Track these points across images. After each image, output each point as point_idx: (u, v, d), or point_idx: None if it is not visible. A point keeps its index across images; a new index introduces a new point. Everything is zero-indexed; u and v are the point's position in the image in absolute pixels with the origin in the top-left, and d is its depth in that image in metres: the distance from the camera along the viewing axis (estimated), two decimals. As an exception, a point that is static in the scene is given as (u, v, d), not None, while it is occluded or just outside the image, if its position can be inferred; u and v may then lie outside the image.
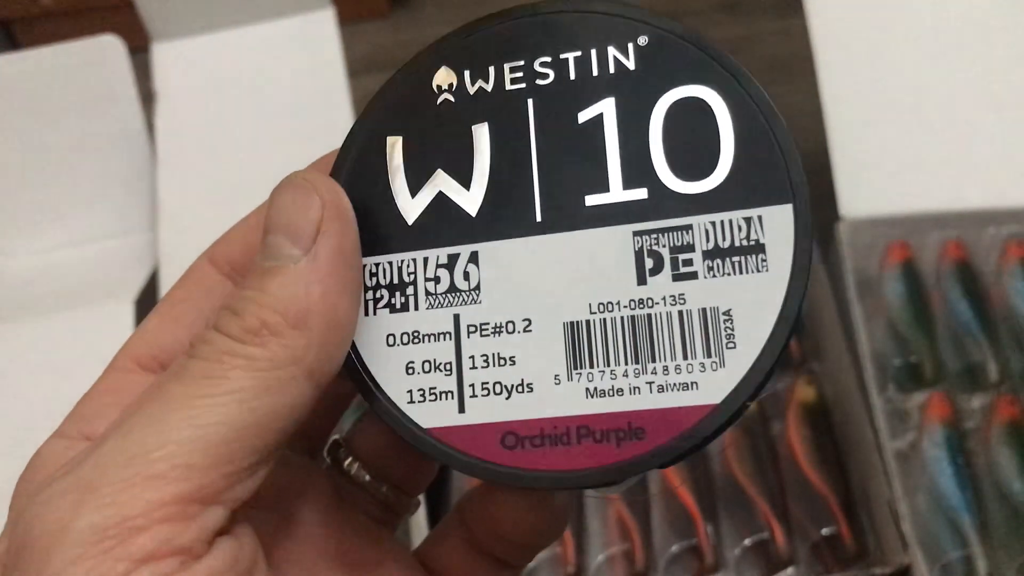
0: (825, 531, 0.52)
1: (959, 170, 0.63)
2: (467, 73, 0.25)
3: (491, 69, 0.25)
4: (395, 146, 0.25)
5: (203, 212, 0.66)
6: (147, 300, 0.63)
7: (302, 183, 0.22)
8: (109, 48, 0.67)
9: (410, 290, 0.24)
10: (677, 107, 0.24)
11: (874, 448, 0.53)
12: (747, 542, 0.53)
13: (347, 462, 0.28)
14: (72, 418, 0.24)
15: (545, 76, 0.24)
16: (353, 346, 0.24)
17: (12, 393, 0.59)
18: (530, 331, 0.23)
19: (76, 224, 0.70)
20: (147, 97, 0.70)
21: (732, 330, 0.22)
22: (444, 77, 0.25)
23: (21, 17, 1.03)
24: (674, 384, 0.22)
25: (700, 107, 0.23)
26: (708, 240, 0.23)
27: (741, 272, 0.22)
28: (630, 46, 0.24)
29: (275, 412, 0.21)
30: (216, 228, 0.70)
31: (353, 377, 0.24)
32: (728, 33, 0.98)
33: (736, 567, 0.52)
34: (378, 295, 0.24)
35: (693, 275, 0.23)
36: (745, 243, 0.23)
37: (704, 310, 0.22)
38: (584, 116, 0.24)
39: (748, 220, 0.23)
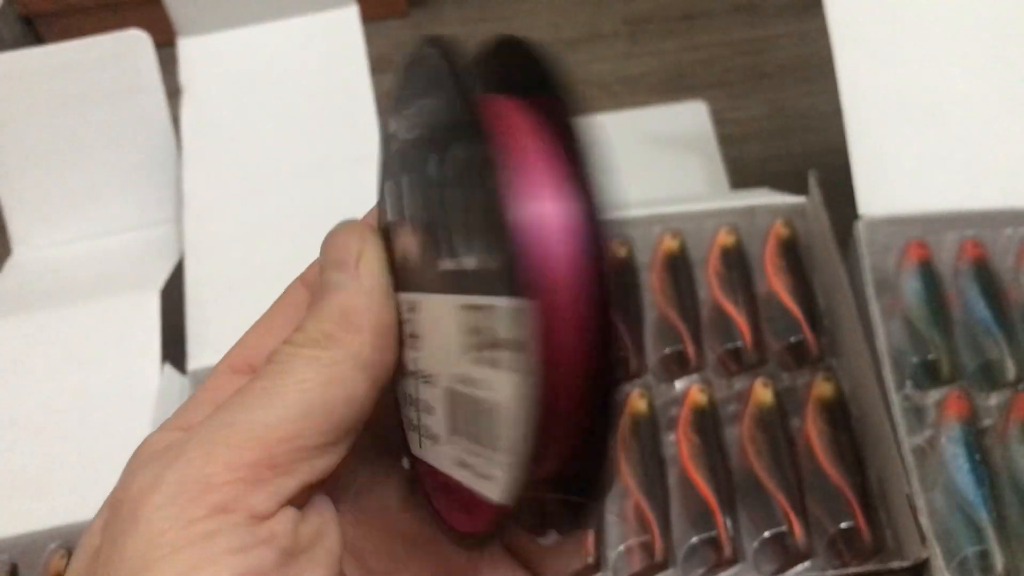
0: (843, 525, 0.53)
1: (977, 170, 0.64)
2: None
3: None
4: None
5: (227, 204, 0.67)
6: (172, 290, 0.63)
7: (347, 225, 0.27)
8: (136, 42, 0.68)
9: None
10: None
11: (892, 443, 0.53)
12: (765, 535, 0.53)
13: None
14: (174, 416, 0.27)
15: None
16: None
17: (39, 380, 0.60)
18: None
19: (102, 215, 0.71)
20: (173, 91, 0.71)
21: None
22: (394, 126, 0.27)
23: (43, 12, 1.04)
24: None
25: None
26: None
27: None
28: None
29: (337, 399, 0.24)
30: (239, 219, 0.70)
31: None
32: (745, 35, 0.99)
33: (754, 560, 0.53)
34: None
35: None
36: None
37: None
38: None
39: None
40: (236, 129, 0.69)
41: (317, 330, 0.25)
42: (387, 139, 0.28)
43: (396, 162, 0.27)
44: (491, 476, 0.21)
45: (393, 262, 0.27)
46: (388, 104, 0.27)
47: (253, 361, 0.27)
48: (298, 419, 0.24)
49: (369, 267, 0.26)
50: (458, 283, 0.22)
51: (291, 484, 0.24)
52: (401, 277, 0.26)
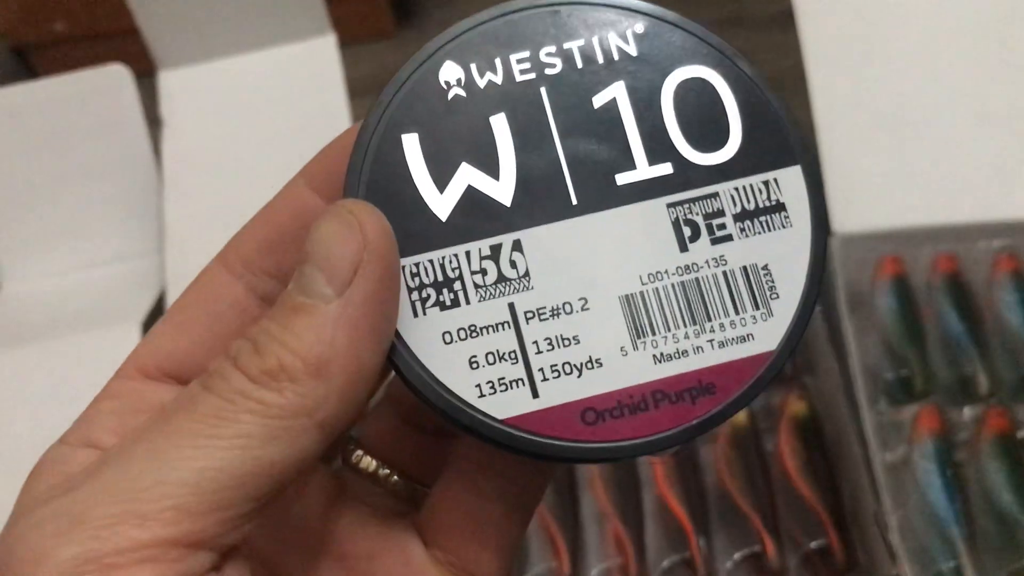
0: (815, 544, 0.53)
1: (950, 184, 0.64)
2: (473, 67, 0.25)
3: (497, 61, 0.25)
4: (412, 143, 0.25)
5: (209, 236, 0.67)
6: (153, 322, 0.64)
7: (347, 216, 0.22)
8: (117, 77, 0.69)
9: (457, 285, 0.24)
10: (682, 87, 0.25)
11: (863, 462, 0.54)
12: (738, 555, 0.54)
13: (356, 456, 0.28)
14: (76, 424, 0.23)
15: (553, 66, 0.25)
16: (409, 351, 0.23)
17: (20, 416, 0.61)
18: (588, 309, 0.24)
19: (84, 248, 0.72)
20: (154, 122, 0.72)
21: (773, 281, 0.24)
22: (451, 72, 0.25)
23: (35, 43, 1.05)
24: (732, 338, 0.24)
25: (703, 85, 0.25)
26: (735, 204, 0.25)
27: (769, 230, 0.25)
28: (629, 33, 0.25)
29: (280, 462, 0.20)
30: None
31: (413, 382, 0.23)
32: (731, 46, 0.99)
33: (728, 580, 0.53)
34: (424, 295, 0.24)
35: (728, 237, 0.25)
36: (768, 204, 0.25)
37: (745, 267, 0.24)
38: (598, 100, 0.25)
39: (766, 183, 0.25)
40: (217, 160, 0.70)
41: (275, 358, 0.20)
42: (435, 87, 0.25)
43: (480, 103, 0.25)
44: (748, 336, 0.24)
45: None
46: (447, 51, 0.25)
47: (167, 366, 0.24)
48: (229, 486, 0.20)
49: (365, 289, 0.21)
50: (663, 186, 0.25)
51: (209, 558, 0.20)
52: (488, 222, 0.24)
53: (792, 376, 0.60)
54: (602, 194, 0.24)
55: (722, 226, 0.25)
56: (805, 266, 0.24)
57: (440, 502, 0.26)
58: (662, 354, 0.24)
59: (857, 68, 0.67)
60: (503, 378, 0.23)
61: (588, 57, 0.25)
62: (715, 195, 0.25)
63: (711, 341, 0.24)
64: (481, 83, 0.25)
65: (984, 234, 0.63)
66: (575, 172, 0.25)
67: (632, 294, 0.24)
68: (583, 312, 0.24)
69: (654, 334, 0.24)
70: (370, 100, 0.25)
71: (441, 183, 0.24)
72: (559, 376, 0.24)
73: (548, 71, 0.25)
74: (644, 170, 0.25)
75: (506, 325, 0.24)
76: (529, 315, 0.24)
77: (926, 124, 0.65)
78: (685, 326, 0.24)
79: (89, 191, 0.71)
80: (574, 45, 0.25)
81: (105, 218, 0.72)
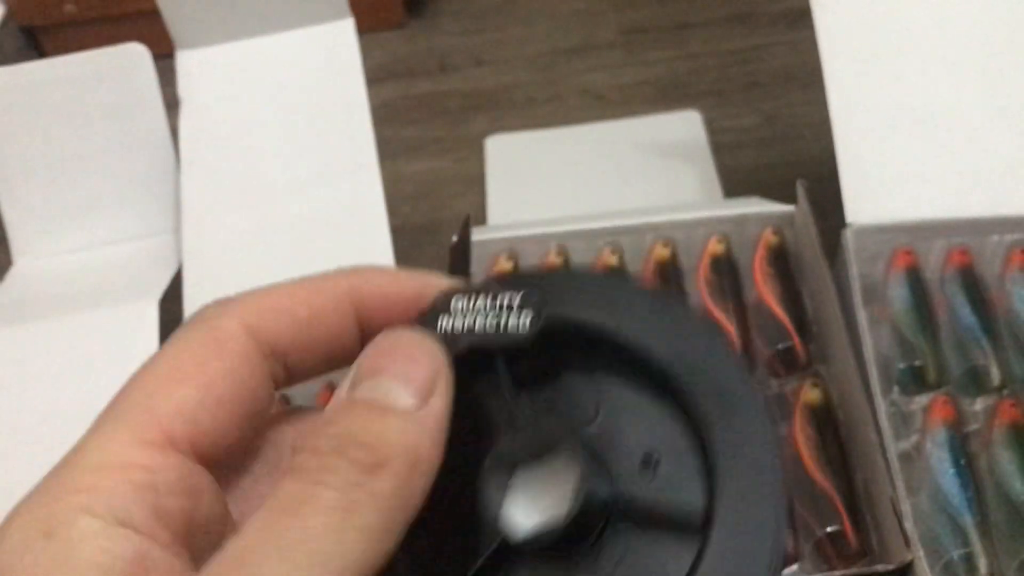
0: (829, 529, 0.54)
1: (964, 179, 0.64)
2: None
3: None
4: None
5: (224, 214, 0.68)
6: (170, 299, 0.65)
7: (418, 338, 0.24)
8: (135, 56, 0.70)
9: None
10: None
11: (878, 449, 0.54)
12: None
13: None
14: (56, 477, 0.22)
15: None
16: None
17: (40, 389, 0.61)
18: None
19: (102, 226, 0.72)
20: (171, 103, 0.72)
21: None
22: None
23: (45, 25, 1.05)
24: None
25: None
26: None
27: None
28: None
29: (388, 554, 0.21)
30: (237, 229, 0.71)
31: None
32: (740, 45, 1.00)
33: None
34: None
35: None
36: None
37: None
38: None
39: None
40: (234, 140, 0.71)
41: (380, 454, 0.21)
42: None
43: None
44: None
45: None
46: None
47: (174, 431, 0.23)
48: None
49: (442, 403, 0.23)
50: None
51: None
52: None
53: (807, 365, 0.60)
54: None
55: None
56: None
57: None
58: None
59: (873, 61, 0.67)
60: None
61: None
62: None
63: None
64: None
65: (997, 228, 0.63)
66: None
67: None
68: None
69: None
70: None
71: None
72: None
73: None
74: None
75: None
76: None
77: (941, 118, 0.66)
78: None
79: (106, 169, 0.72)
80: None
81: (122, 196, 0.72)
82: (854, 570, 0.52)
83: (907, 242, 0.64)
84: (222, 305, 0.25)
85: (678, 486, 0.24)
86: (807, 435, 0.57)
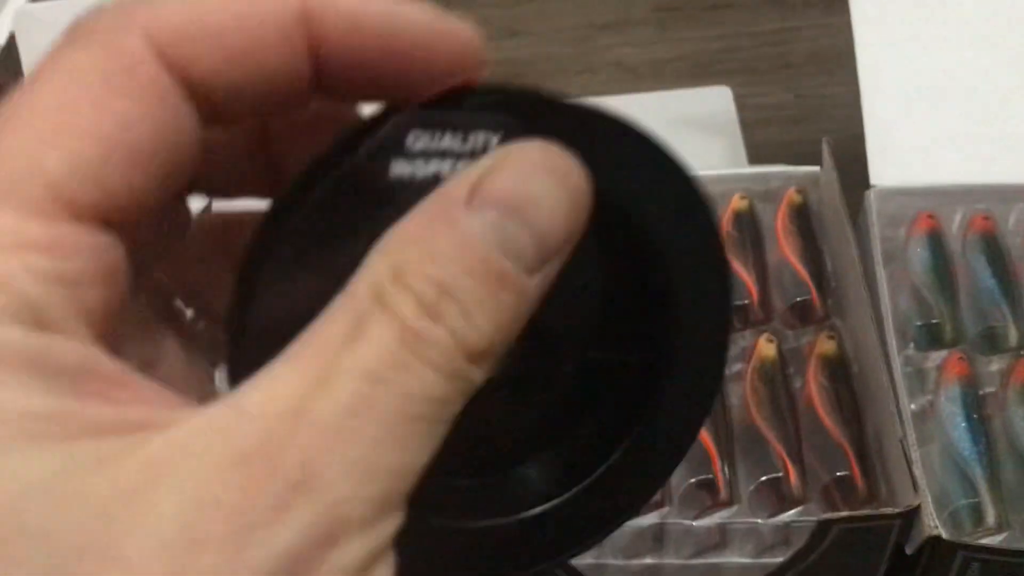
0: (838, 474, 0.54)
1: (989, 145, 0.65)
2: None
3: None
4: None
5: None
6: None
7: (573, 169, 0.19)
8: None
9: None
10: None
11: (891, 397, 0.54)
12: (761, 480, 0.54)
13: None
14: None
15: None
16: None
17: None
18: None
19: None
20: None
21: None
22: None
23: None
24: None
25: None
26: None
27: None
28: None
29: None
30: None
31: None
32: (772, 26, 1.00)
33: (749, 504, 0.54)
34: None
35: None
36: None
37: None
38: None
39: None
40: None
41: (488, 341, 0.17)
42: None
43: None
44: None
45: None
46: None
47: (75, 198, 0.17)
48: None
49: (549, 277, 0.18)
50: None
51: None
52: None
53: (823, 318, 0.60)
54: None
55: None
56: None
57: None
58: None
59: (903, 26, 0.68)
60: None
61: None
62: None
63: None
64: None
65: (1021, 196, 0.63)
66: None
67: None
68: None
69: None
70: None
71: None
72: None
73: None
74: None
75: None
76: None
77: (969, 84, 0.66)
78: None
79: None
80: None
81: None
82: (860, 512, 0.52)
83: (929, 206, 0.64)
84: (118, 14, 0.18)
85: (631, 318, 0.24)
86: (820, 385, 0.57)
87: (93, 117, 0.17)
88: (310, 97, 0.20)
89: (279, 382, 0.16)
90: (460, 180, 0.18)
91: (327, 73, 0.20)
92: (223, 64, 0.18)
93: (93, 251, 0.18)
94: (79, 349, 0.17)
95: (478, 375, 0.17)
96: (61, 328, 0.17)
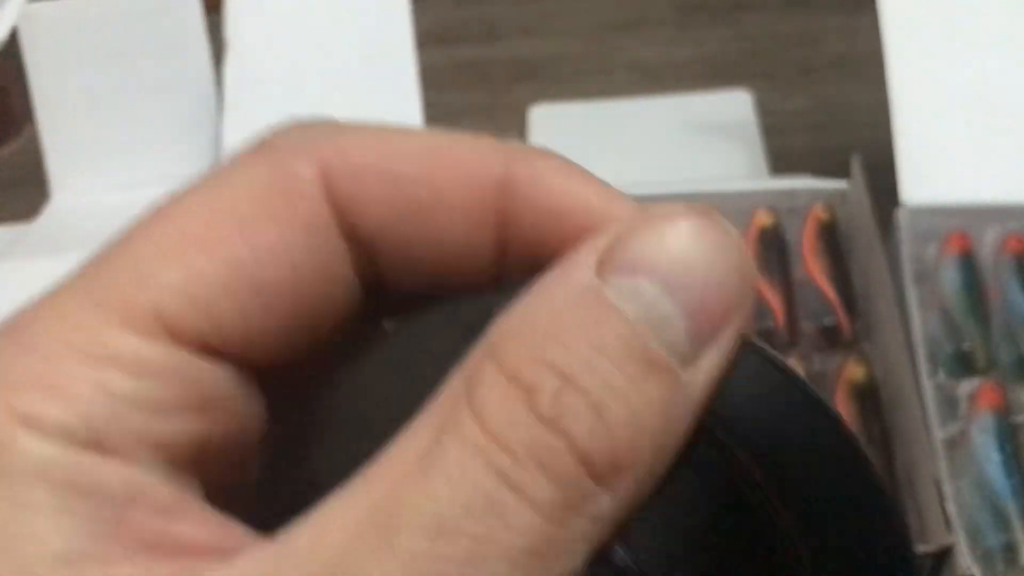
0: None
1: (1023, 164, 0.63)
2: None
3: None
4: None
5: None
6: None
7: (734, 241, 0.14)
8: (183, -5, 0.69)
9: None
10: None
11: (922, 429, 0.52)
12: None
13: None
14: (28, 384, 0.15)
15: None
16: None
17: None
18: None
19: (141, 166, 0.71)
20: (217, 46, 0.71)
21: None
22: None
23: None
24: None
25: None
26: None
27: None
28: None
29: None
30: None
31: None
32: (795, 28, 0.98)
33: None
34: None
35: None
36: None
37: None
38: None
39: None
40: (279, 87, 0.70)
41: (626, 448, 0.13)
42: None
43: None
44: None
45: None
46: None
47: (176, 317, 0.15)
48: None
49: (717, 364, 0.14)
50: None
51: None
52: None
53: (851, 342, 0.59)
54: None
55: None
56: None
57: None
58: None
59: (937, 39, 0.66)
60: None
61: None
62: None
63: None
64: None
65: (1056, 217, 0.61)
66: None
67: None
68: None
69: None
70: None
71: None
72: None
73: None
74: None
75: None
76: None
77: (1003, 101, 0.64)
78: None
79: (148, 110, 0.71)
80: None
81: (162, 137, 0.71)
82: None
83: (962, 225, 0.62)
84: (303, 136, 0.17)
85: None
86: (848, 413, 0.56)
87: (231, 238, 0.16)
88: (487, 276, 0.17)
89: (333, 522, 0.13)
90: (582, 249, 0.14)
91: (514, 253, 0.17)
92: (399, 213, 0.16)
93: (186, 378, 0.16)
94: (128, 474, 0.15)
95: (606, 505, 0.13)
96: (117, 451, 0.15)
